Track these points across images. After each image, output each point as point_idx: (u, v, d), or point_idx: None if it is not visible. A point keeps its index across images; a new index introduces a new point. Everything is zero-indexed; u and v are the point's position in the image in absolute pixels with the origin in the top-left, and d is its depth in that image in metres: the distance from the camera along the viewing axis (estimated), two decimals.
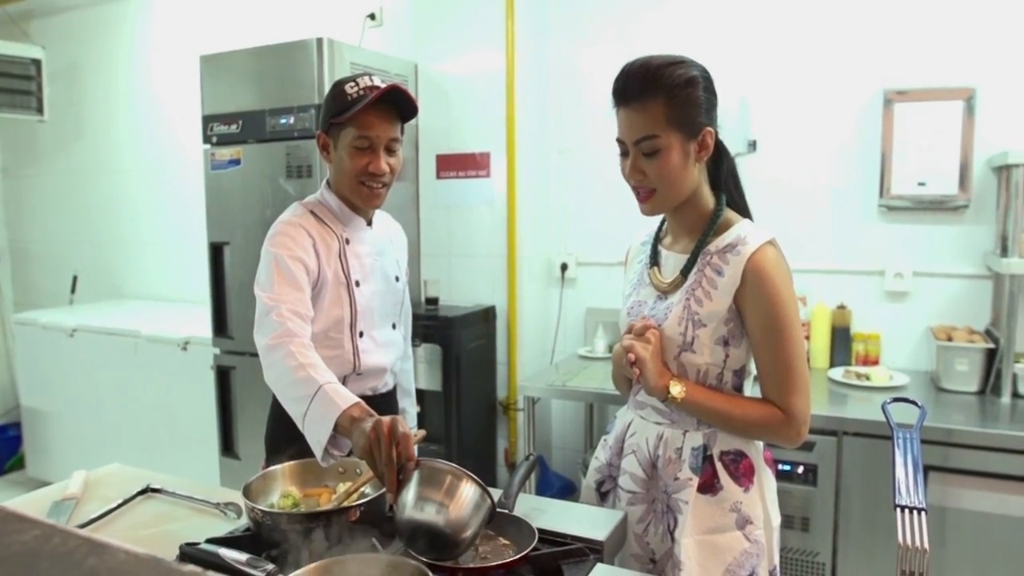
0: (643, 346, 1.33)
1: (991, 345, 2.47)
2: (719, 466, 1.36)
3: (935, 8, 2.67)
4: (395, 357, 1.79)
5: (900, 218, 2.78)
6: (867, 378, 2.60)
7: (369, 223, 1.73)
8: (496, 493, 1.36)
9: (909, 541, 0.89)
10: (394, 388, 1.86)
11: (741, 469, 1.37)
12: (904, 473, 0.98)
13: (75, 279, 4.53)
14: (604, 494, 1.53)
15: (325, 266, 1.61)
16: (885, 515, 2.25)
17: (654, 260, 1.46)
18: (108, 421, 3.72)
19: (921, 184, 2.67)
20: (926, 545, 0.89)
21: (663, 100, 1.26)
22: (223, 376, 3.12)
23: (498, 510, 1.26)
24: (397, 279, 1.79)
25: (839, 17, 2.80)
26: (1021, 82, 2.58)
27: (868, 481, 2.27)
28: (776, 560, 1.40)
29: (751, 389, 1.42)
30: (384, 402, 1.77)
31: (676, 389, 1.32)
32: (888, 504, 2.22)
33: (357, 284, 1.67)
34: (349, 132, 1.57)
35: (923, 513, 0.91)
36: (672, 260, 1.41)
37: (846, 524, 2.31)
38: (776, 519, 1.40)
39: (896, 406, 1.28)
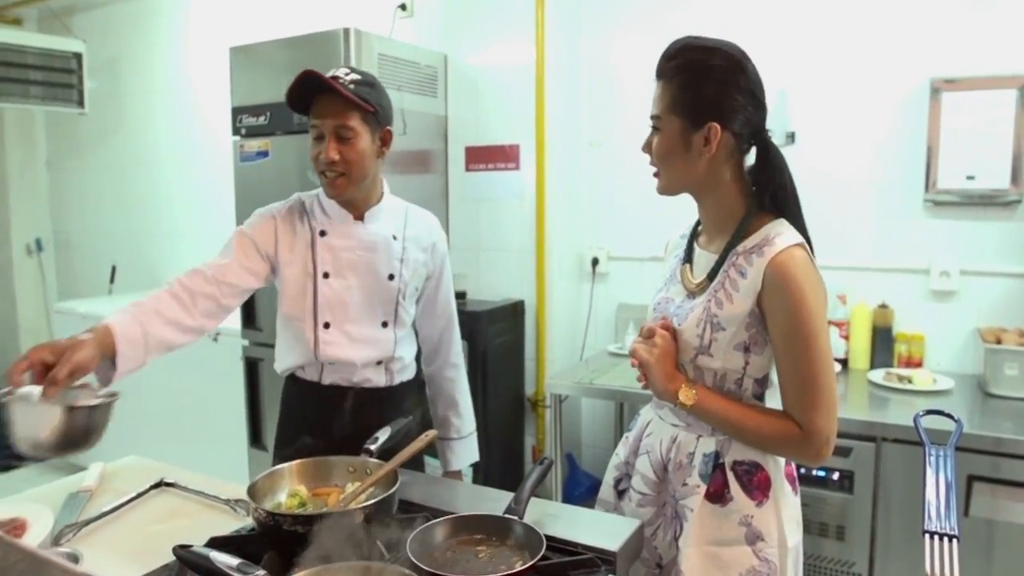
0: (647, 349, 1.28)
1: None
2: (730, 476, 1.29)
3: None
4: (375, 355, 1.71)
5: (947, 213, 2.65)
6: (909, 381, 2.48)
7: (360, 218, 1.68)
8: (509, 496, 1.32)
9: (938, 571, 0.81)
10: (404, 385, 1.78)
11: (755, 482, 1.29)
12: (935, 495, 0.90)
13: (114, 269, 4.61)
14: (621, 492, 1.48)
15: (287, 253, 1.66)
16: None
17: (688, 257, 1.40)
18: (141, 410, 3.75)
19: (970, 178, 2.53)
20: None
21: (675, 83, 1.24)
22: (252, 367, 3.14)
23: (507, 516, 1.22)
24: (391, 277, 1.70)
25: (883, 2, 2.68)
26: None
27: (908, 490, 2.16)
28: None
29: (774, 399, 1.34)
30: (379, 398, 1.72)
31: (685, 395, 1.26)
32: None
33: (325, 276, 1.66)
34: (310, 121, 1.60)
35: (955, 541, 0.83)
36: (704, 260, 1.35)
37: (884, 534, 2.21)
38: (793, 540, 1.31)
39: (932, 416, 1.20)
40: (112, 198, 4.65)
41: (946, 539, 0.85)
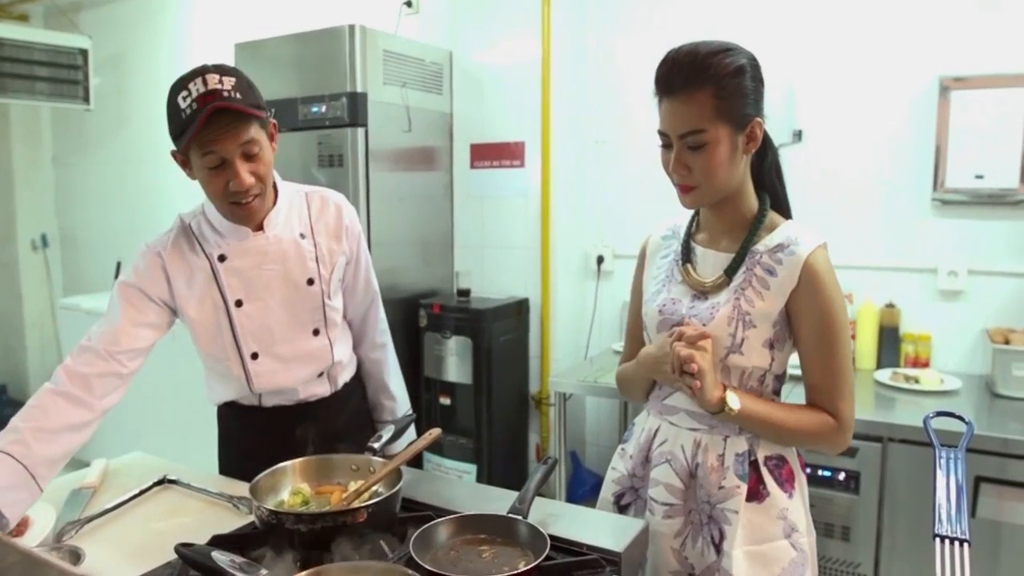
0: (702, 355, 1.22)
1: None
2: (764, 472, 1.30)
3: None
4: (314, 371, 1.60)
5: (955, 213, 2.62)
6: (916, 381, 2.47)
7: (260, 227, 1.52)
8: (513, 495, 1.31)
9: None
10: (347, 387, 1.70)
11: (784, 475, 1.31)
12: (946, 498, 0.89)
13: (119, 265, 4.60)
14: (624, 507, 1.46)
15: (184, 290, 1.49)
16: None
17: (687, 257, 1.38)
18: (145, 406, 3.76)
19: (979, 177, 2.52)
20: None
21: (711, 91, 1.18)
22: None
23: (511, 515, 1.21)
24: (311, 282, 1.55)
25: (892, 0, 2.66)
26: None
27: (914, 491, 2.15)
28: (816, 569, 1.35)
29: (789, 394, 1.35)
30: (325, 406, 1.64)
31: (733, 401, 1.24)
32: None
33: (239, 304, 1.50)
34: (196, 151, 1.37)
35: (966, 545, 0.82)
36: (711, 258, 1.34)
37: (890, 535, 2.20)
38: (812, 526, 1.35)
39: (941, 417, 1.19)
40: (117, 194, 4.65)
41: (957, 543, 0.84)
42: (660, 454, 1.38)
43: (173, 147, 1.43)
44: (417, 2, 3.31)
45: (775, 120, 2.79)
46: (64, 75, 4.28)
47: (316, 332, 1.59)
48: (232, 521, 1.36)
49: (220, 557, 0.94)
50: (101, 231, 4.76)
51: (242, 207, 1.43)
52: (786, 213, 1.36)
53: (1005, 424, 2.15)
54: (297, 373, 1.58)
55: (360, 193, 2.77)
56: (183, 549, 0.98)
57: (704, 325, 1.29)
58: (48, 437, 1.30)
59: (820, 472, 2.24)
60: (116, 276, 4.58)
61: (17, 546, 0.48)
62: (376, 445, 1.43)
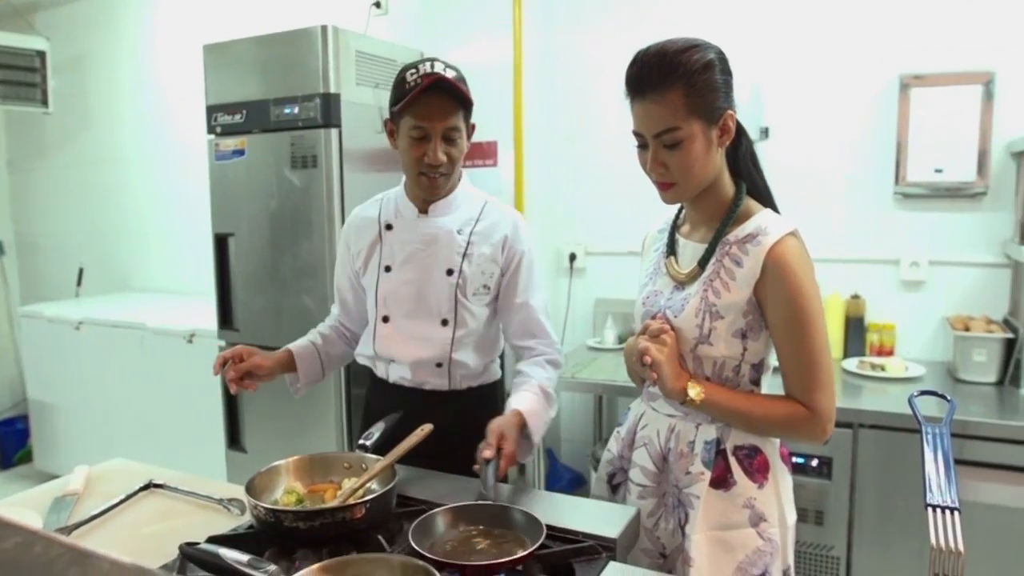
0: (658, 348, 1.27)
1: (1010, 335, 2.42)
2: (732, 461, 1.32)
3: None
4: (428, 355, 1.66)
5: (916, 206, 2.72)
6: (882, 369, 2.55)
7: (424, 211, 1.66)
8: (507, 489, 1.34)
9: (943, 543, 0.85)
10: (471, 391, 1.73)
11: (755, 465, 1.33)
12: (935, 470, 0.94)
13: (81, 271, 4.51)
14: (616, 486, 1.50)
15: (356, 253, 1.75)
16: (901, 509, 2.21)
17: (671, 249, 1.42)
18: (115, 414, 3.71)
19: (938, 171, 2.61)
20: (960, 547, 0.85)
21: (682, 89, 1.20)
22: None
23: (508, 504, 1.23)
24: (450, 272, 1.64)
25: (854, 0, 2.74)
26: None
27: (884, 474, 2.23)
28: (791, 560, 1.36)
29: (769, 384, 1.38)
30: (440, 401, 1.67)
31: (694, 391, 1.27)
32: (905, 498, 2.18)
33: (387, 269, 1.69)
34: (407, 121, 1.55)
35: (956, 513, 0.87)
36: (690, 249, 1.37)
37: (861, 518, 2.27)
38: (792, 518, 1.36)
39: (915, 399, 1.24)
40: (78, 199, 4.55)
41: (948, 511, 0.90)
42: (640, 438, 1.43)
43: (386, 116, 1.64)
44: (386, 3, 3.31)
45: (742, 117, 2.84)
46: (21, 77, 4.18)
47: (444, 323, 1.67)
48: (223, 522, 1.36)
49: (228, 554, 0.94)
50: (62, 236, 4.66)
51: (428, 179, 1.60)
52: (765, 199, 1.36)
53: (966, 407, 2.23)
54: (413, 351, 1.68)
55: (334, 194, 2.75)
56: (188, 548, 0.98)
57: (675, 316, 1.32)
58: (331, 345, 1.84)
59: (794, 459, 2.29)
60: (79, 282, 4.51)
61: (63, 540, 0.49)
62: (368, 443, 1.44)
